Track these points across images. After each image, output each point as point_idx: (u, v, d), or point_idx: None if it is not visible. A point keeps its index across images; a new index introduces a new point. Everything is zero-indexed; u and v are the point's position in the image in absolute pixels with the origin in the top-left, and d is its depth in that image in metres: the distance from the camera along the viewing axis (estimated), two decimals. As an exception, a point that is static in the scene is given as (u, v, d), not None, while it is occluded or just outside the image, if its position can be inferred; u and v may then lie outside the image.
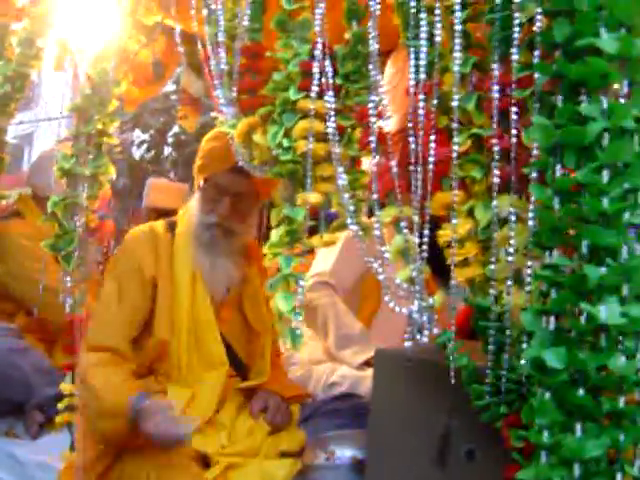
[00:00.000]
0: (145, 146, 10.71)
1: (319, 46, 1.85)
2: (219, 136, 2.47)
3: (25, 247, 3.24)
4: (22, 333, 3.17)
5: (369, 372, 2.93)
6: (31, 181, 3.55)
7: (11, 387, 3.01)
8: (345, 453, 2.29)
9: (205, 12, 2.17)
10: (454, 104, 1.63)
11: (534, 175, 1.48)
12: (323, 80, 1.84)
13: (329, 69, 1.84)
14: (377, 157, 1.75)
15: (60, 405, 2.54)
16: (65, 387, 2.52)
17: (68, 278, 2.49)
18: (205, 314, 2.58)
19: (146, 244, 2.61)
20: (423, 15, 1.70)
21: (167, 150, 10.81)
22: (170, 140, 10.63)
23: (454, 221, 1.65)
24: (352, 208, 1.78)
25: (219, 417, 2.50)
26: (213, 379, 2.54)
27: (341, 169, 1.78)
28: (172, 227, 2.68)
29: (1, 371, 2.99)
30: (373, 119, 1.74)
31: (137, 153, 11.04)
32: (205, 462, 2.36)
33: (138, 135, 10.95)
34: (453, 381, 1.64)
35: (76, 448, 2.51)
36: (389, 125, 1.79)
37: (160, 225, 2.69)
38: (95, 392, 2.36)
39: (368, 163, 2.00)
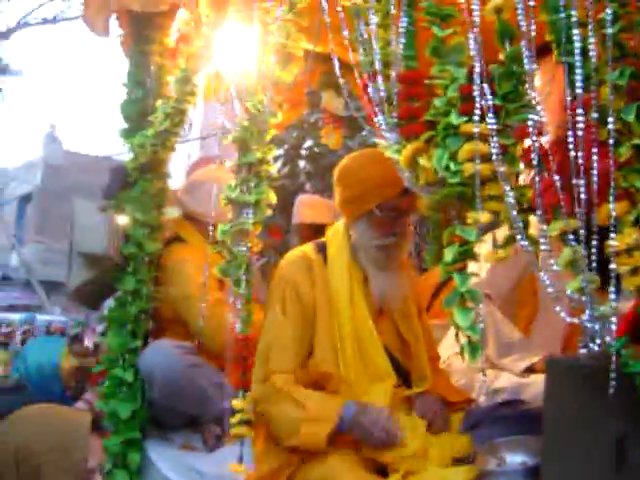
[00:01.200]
0: (281, 161, 10.95)
1: (477, 69, 1.92)
2: (376, 161, 2.60)
3: (188, 271, 3.40)
4: (196, 351, 3.32)
5: (531, 378, 2.97)
6: (187, 205, 3.68)
7: (189, 401, 3.17)
8: (515, 459, 2.33)
9: (358, 41, 2.28)
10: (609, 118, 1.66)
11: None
12: (482, 102, 1.92)
13: (487, 91, 1.91)
14: (540, 173, 1.80)
15: (233, 420, 2.67)
16: (236, 403, 2.66)
17: (239, 301, 2.63)
18: (367, 329, 2.71)
19: (300, 269, 2.75)
20: (576, 31, 1.75)
21: (301, 164, 11.01)
22: (304, 153, 10.81)
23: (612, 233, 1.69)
24: (521, 224, 1.83)
25: None
26: (381, 391, 2.64)
27: (508, 187, 1.84)
28: (322, 249, 2.81)
29: (181, 386, 3.14)
30: (534, 137, 1.80)
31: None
32: (380, 471, 2.46)
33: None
34: (627, 387, 1.69)
35: (256, 460, 2.65)
36: (546, 140, 1.85)
37: (310, 249, 2.83)
38: (299, 402, 2.51)
39: (525, 177, 2.06)
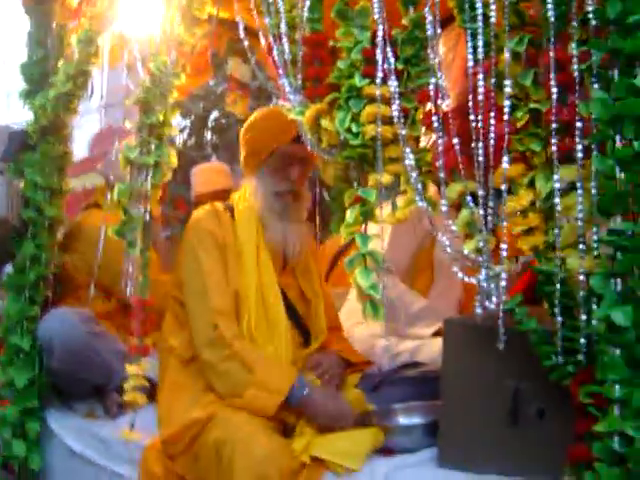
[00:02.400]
0: (187, 132, 10.81)
1: (380, 33, 1.95)
2: (272, 113, 2.75)
3: (108, 238, 3.31)
4: (99, 319, 3.27)
5: (427, 340, 3.05)
6: (106, 172, 3.62)
7: (92, 370, 3.11)
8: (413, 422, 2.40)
9: (264, 4, 2.27)
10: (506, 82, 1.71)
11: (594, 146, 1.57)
12: (385, 66, 1.94)
13: (390, 54, 1.94)
14: (438, 135, 1.84)
15: (127, 385, 2.65)
16: (131, 369, 2.63)
17: (131, 263, 2.61)
18: (269, 280, 2.74)
19: (212, 220, 2.77)
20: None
21: (208, 135, 10.89)
22: (211, 125, 10.71)
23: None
24: (420, 186, 1.87)
25: None
26: (282, 345, 2.68)
27: (408, 150, 1.88)
28: (230, 209, 2.83)
29: (82, 354, 3.07)
30: (435, 100, 1.84)
31: (179, 139, 11.14)
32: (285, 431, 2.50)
33: (179, 122, 11.04)
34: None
35: (159, 423, 2.65)
36: (447, 104, 1.89)
37: (219, 205, 2.85)
38: (248, 366, 2.51)
39: (426, 141, 2.10)
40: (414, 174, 1.88)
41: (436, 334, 3.05)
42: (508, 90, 1.73)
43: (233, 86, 4.51)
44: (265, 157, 2.78)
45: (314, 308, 2.85)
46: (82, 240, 3.38)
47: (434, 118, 1.84)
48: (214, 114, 10.72)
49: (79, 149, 3.74)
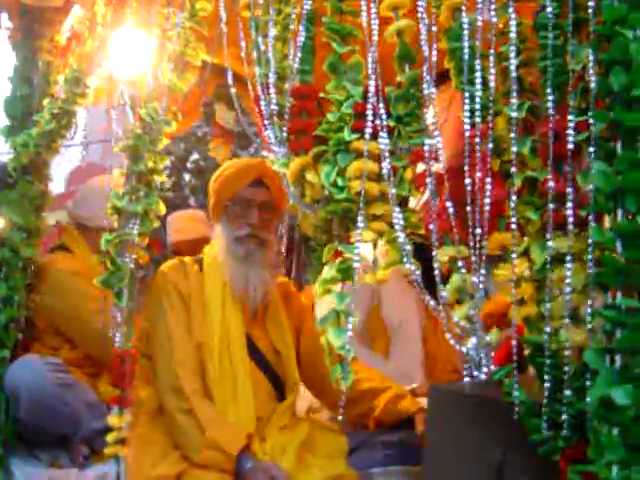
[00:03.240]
0: (166, 173, 10.79)
1: (372, 89, 1.92)
2: (234, 162, 2.93)
3: (78, 286, 3.22)
4: (67, 367, 3.19)
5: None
6: (77, 212, 3.51)
7: (59, 421, 3.03)
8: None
9: (255, 53, 2.25)
10: (512, 148, 1.69)
11: (591, 217, 1.53)
12: (376, 122, 1.91)
13: (382, 111, 1.90)
14: (432, 197, 1.80)
15: (109, 438, 2.56)
16: (114, 420, 2.55)
17: (119, 314, 2.53)
18: (236, 333, 2.70)
19: (176, 271, 2.78)
20: (478, 61, 1.77)
21: (187, 177, 10.91)
22: (190, 167, 10.72)
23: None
24: (408, 247, 1.83)
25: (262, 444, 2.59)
26: (246, 395, 2.65)
27: (397, 209, 1.84)
28: (199, 261, 2.84)
29: (50, 405, 2.98)
30: (429, 161, 1.81)
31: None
32: None
33: (157, 162, 11.05)
34: (510, 416, 1.70)
35: (129, 476, 2.56)
36: (439, 166, 1.86)
37: (188, 259, 2.85)
38: (201, 426, 2.51)
39: (415, 202, 2.06)
40: (402, 234, 1.84)
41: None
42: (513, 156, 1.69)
43: (217, 132, 4.49)
44: (226, 204, 2.79)
45: (285, 359, 2.79)
46: (47, 284, 3.29)
47: (428, 179, 1.80)
48: (194, 156, 10.76)
49: (56, 185, 3.67)
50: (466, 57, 1.81)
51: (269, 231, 2.83)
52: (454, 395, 1.95)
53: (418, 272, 1.83)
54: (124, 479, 2.56)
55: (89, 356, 3.23)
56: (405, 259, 1.84)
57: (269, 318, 2.83)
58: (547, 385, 1.65)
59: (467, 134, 1.77)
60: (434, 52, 1.85)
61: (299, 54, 2.13)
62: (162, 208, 2.62)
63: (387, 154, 1.89)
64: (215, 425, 2.51)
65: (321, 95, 2.10)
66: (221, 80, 3.70)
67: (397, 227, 1.86)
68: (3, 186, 3.21)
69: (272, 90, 2.16)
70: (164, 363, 2.64)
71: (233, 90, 2.35)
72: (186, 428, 2.53)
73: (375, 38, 1.93)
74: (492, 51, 1.77)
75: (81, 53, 3.03)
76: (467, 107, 1.78)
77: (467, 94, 1.79)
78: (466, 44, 1.82)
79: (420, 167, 1.94)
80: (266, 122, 2.16)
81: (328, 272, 1.97)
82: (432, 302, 1.80)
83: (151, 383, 2.68)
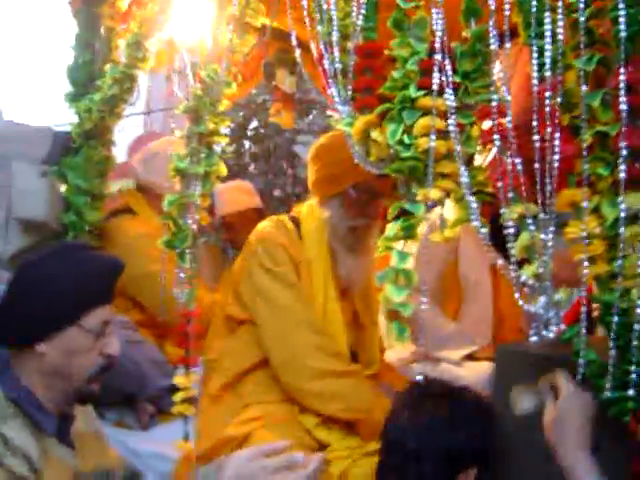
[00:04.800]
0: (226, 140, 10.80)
1: (438, 45, 1.88)
2: None
3: (143, 247, 3.27)
4: (136, 327, 3.23)
5: (466, 367, 2.96)
6: (142, 177, 3.57)
7: (125, 378, 3.06)
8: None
9: (317, 12, 2.22)
10: (582, 102, 1.64)
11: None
12: (442, 78, 1.88)
13: (448, 67, 1.87)
14: (500, 154, 1.76)
15: (176, 397, 2.59)
16: (180, 380, 2.58)
17: (182, 274, 2.55)
18: (334, 308, 2.70)
19: (283, 234, 2.73)
20: (547, 13, 1.71)
21: (247, 144, 10.90)
22: (250, 134, 10.71)
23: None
24: (475, 205, 1.80)
25: None
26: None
27: (464, 167, 1.81)
28: (296, 222, 2.78)
29: (118, 362, 3.05)
30: (495, 117, 1.77)
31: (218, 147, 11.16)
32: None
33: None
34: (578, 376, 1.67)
35: (198, 436, 2.59)
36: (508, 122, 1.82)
37: (285, 219, 2.79)
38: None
39: (482, 160, 2.03)
40: (470, 192, 1.80)
41: (469, 358, 2.98)
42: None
43: (278, 97, 4.46)
44: (344, 188, 2.69)
45: (369, 335, 2.80)
46: (113, 246, 3.32)
47: (495, 136, 1.76)
48: (253, 123, 10.75)
49: (119, 153, 3.70)
50: (534, 10, 1.75)
51: (381, 217, 2.73)
52: (522, 355, 1.92)
53: (485, 230, 1.80)
54: (192, 438, 2.59)
55: (156, 317, 3.27)
56: (473, 217, 1.81)
57: (358, 292, 2.83)
58: (616, 345, 1.62)
59: (535, 89, 1.72)
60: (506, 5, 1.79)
61: (362, 11, 2.09)
62: (223, 169, 2.62)
63: (453, 111, 1.84)
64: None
65: (386, 52, 2.06)
66: (282, 44, 3.70)
67: (465, 185, 1.83)
68: (67, 151, 3.25)
69: (335, 49, 2.12)
70: (298, 326, 2.61)
71: (298, 52, 2.30)
72: (354, 386, 2.55)
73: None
74: (560, 3, 1.71)
75: (142, 17, 3.03)
76: (535, 61, 1.73)
77: (535, 48, 1.74)
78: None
79: (486, 124, 1.90)
80: (330, 81, 2.13)
81: (391, 229, 1.95)
82: (501, 260, 1.77)
83: (234, 347, 2.70)
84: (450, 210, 1.95)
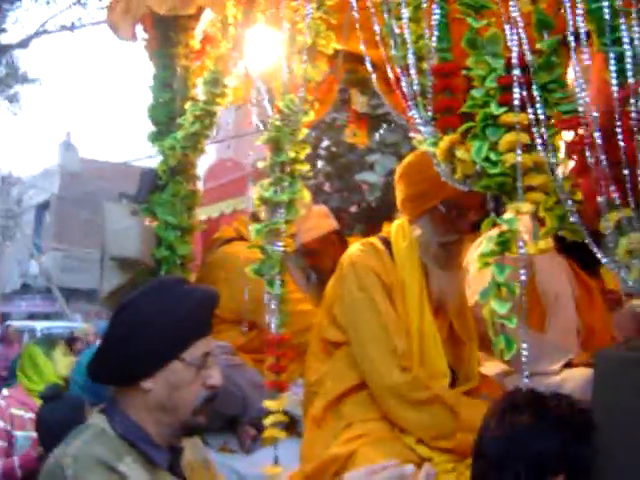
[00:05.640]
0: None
1: (515, 60, 1.91)
2: None
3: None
4: (235, 351, 3.30)
5: (565, 374, 2.94)
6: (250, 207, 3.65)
7: (227, 401, 3.12)
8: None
9: (391, 37, 2.27)
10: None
11: None
12: (522, 92, 1.91)
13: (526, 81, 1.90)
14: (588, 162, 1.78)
15: (267, 421, 2.64)
16: (271, 404, 2.63)
17: (273, 301, 2.61)
18: (430, 327, 2.69)
19: (375, 257, 2.74)
20: (622, 20, 1.73)
21: (319, 164, 11.00)
22: (322, 153, 10.80)
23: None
24: (574, 210, 1.82)
25: None
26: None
27: (560, 177, 1.83)
28: (386, 243, 2.79)
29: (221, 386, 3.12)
30: (579, 126, 1.79)
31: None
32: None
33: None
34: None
35: (302, 458, 2.64)
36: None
37: (376, 241, 2.81)
38: (453, 410, 2.53)
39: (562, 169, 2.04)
40: (570, 201, 1.82)
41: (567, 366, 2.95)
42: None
43: (352, 117, 4.52)
44: (433, 205, 2.70)
45: (468, 351, 2.80)
46: (228, 270, 3.41)
47: (583, 144, 1.77)
48: (325, 142, 10.84)
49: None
50: (607, 17, 1.76)
51: (472, 232, 2.75)
52: (622, 360, 1.92)
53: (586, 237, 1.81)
54: (288, 461, 2.64)
55: (255, 342, 3.32)
56: (572, 219, 1.82)
57: (452, 308, 2.82)
58: None
59: (616, 95, 1.73)
60: (579, 17, 1.81)
61: (435, 32, 2.13)
62: (306, 196, 2.69)
63: (537, 124, 1.87)
64: (465, 406, 2.51)
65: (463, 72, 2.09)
66: (350, 65, 3.76)
67: (562, 195, 1.85)
68: (155, 189, 3.36)
69: (412, 71, 2.16)
70: (381, 357, 2.62)
71: (373, 76, 2.35)
72: (435, 417, 2.53)
73: (514, 8, 1.92)
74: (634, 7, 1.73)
75: (217, 55, 3.12)
76: (613, 67, 1.75)
77: (612, 55, 1.75)
78: (606, 3, 1.79)
79: (566, 134, 1.92)
80: (410, 103, 2.17)
81: (486, 245, 1.98)
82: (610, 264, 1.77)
83: (332, 369, 2.72)
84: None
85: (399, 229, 2.82)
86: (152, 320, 1.97)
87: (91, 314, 27.14)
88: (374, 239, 2.83)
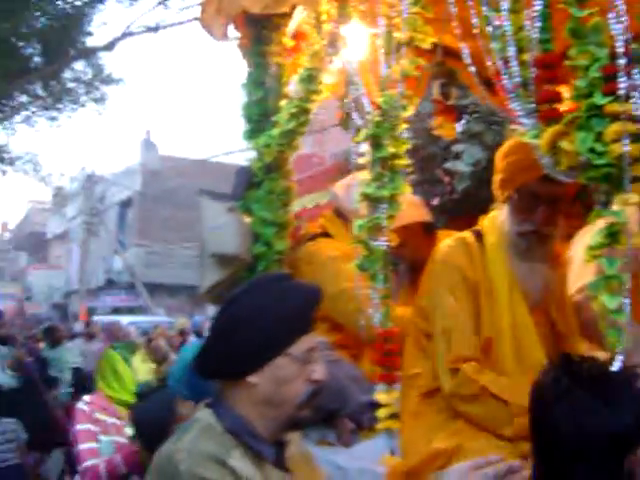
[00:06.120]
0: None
1: (620, 49, 1.90)
2: (519, 148, 2.59)
3: (335, 266, 3.35)
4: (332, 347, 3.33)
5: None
6: (343, 204, 3.66)
7: (327, 395, 3.14)
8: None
9: (490, 29, 2.27)
10: None
11: None
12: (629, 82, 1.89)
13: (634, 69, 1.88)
14: None
15: (380, 413, 2.67)
16: (382, 397, 2.65)
17: (376, 295, 2.64)
18: (523, 320, 2.67)
19: (463, 254, 2.75)
20: None
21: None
22: (404, 145, 10.72)
23: None
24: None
25: None
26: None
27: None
28: (479, 236, 2.80)
29: (321, 380, 3.16)
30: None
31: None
32: None
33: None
34: None
35: (404, 452, 2.66)
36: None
37: (468, 235, 2.82)
38: (500, 398, 2.52)
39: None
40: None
41: None
42: None
43: (439, 109, 4.50)
44: (510, 193, 2.71)
45: (569, 345, 2.77)
46: (311, 267, 3.46)
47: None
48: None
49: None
50: None
51: (553, 225, 2.71)
52: None
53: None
54: (398, 453, 2.66)
55: (350, 338, 3.36)
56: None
57: (553, 299, 2.80)
58: None
59: None
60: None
61: (537, 23, 2.13)
62: (408, 191, 2.70)
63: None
64: (514, 392, 2.48)
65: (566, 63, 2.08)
66: (435, 58, 3.74)
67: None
68: (250, 186, 3.41)
69: (514, 63, 2.16)
70: (443, 357, 2.66)
71: (473, 68, 2.36)
72: (488, 411, 2.54)
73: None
74: None
75: (311, 52, 3.15)
76: None
77: None
78: None
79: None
80: (511, 95, 2.17)
81: (594, 238, 1.97)
82: None
83: (428, 361, 2.76)
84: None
85: (491, 221, 2.83)
86: (259, 315, 2.00)
87: (173, 308, 27.60)
88: (467, 233, 2.84)
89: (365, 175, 2.72)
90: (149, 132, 30.87)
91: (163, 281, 28.47)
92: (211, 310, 25.49)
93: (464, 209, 8.48)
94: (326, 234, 3.63)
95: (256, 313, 2.01)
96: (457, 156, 9.25)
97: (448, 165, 9.28)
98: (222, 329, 2.05)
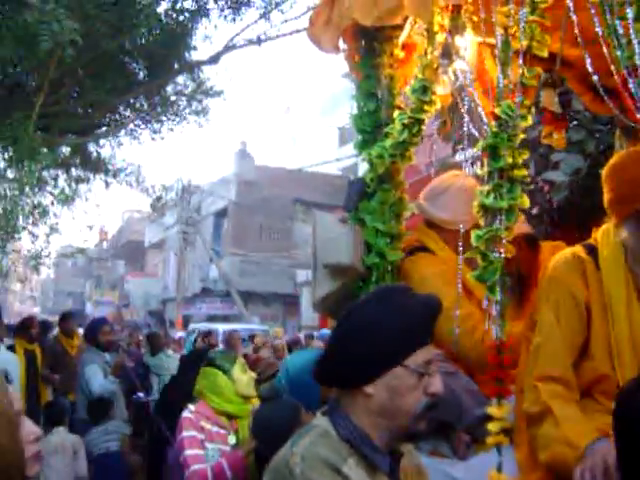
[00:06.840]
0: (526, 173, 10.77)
1: None
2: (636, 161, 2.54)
3: (435, 284, 3.27)
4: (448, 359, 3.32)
5: None
6: (432, 214, 3.63)
7: (443, 408, 3.13)
8: None
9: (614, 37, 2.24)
10: None
11: None
12: None
13: None
14: None
15: (491, 427, 2.64)
16: (494, 411, 2.63)
17: (495, 306, 2.63)
18: None
19: (574, 271, 2.68)
20: None
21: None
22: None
23: None
24: None
25: None
26: None
27: None
28: (592, 250, 2.73)
29: (438, 393, 3.15)
30: None
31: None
32: None
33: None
34: None
35: (521, 469, 2.64)
36: None
37: (580, 250, 2.75)
38: (557, 420, 2.47)
39: None
40: None
41: None
42: None
43: (547, 118, 4.44)
44: (636, 208, 2.59)
45: None
46: (409, 283, 3.39)
47: None
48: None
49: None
50: None
51: None
52: None
53: None
54: (506, 470, 2.62)
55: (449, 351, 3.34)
56: None
57: None
58: None
59: None
60: None
61: (667, 30, 2.09)
62: (526, 201, 2.68)
63: None
64: (571, 421, 2.45)
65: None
66: (543, 66, 3.70)
67: None
68: (363, 197, 3.42)
69: (640, 71, 2.13)
70: (532, 367, 2.65)
71: (596, 77, 2.33)
72: (542, 429, 2.52)
73: None
74: None
75: (424, 63, 3.15)
76: None
77: None
78: None
79: None
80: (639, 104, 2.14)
81: None
82: None
83: None
84: None
85: (605, 234, 2.75)
86: (378, 326, 2.01)
87: (267, 317, 27.89)
88: (579, 247, 2.76)
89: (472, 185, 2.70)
90: (245, 143, 31.18)
91: (257, 289, 28.81)
92: (305, 319, 25.71)
93: (566, 219, 8.35)
94: (424, 248, 3.59)
95: (376, 323, 2.02)
96: (556, 165, 9.10)
97: (545, 176, 9.14)
98: (342, 337, 2.07)
